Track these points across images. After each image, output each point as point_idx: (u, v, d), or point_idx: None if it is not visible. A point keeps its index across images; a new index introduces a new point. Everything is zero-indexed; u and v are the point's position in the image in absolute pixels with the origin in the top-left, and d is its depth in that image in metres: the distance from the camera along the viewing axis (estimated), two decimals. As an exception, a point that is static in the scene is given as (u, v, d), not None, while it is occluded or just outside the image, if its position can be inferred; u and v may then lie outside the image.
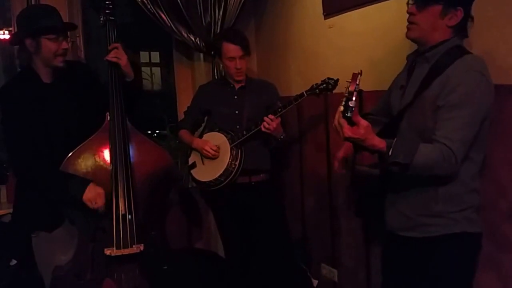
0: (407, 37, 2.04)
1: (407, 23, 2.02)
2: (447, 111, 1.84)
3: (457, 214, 1.99)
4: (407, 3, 2.01)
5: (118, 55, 2.63)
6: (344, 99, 1.71)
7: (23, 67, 2.62)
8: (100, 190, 2.46)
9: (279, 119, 2.94)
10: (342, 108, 1.72)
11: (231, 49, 3.10)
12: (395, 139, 1.81)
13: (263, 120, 2.93)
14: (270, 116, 2.91)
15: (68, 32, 2.68)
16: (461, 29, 1.98)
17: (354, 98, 1.70)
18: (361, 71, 1.79)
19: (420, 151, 1.79)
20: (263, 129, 2.93)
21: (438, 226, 2.00)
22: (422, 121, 1.94)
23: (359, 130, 1.76)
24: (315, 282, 3.51)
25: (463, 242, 2.02)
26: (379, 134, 1.87)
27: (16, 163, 2.57)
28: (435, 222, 2.01)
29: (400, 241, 2.14)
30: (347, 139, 1.79)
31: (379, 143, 1.80)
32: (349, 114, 1.71)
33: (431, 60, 1.99)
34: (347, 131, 1.75)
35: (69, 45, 2.63)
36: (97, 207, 2.44)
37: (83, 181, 2.47)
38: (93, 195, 2.44)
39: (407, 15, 2.01)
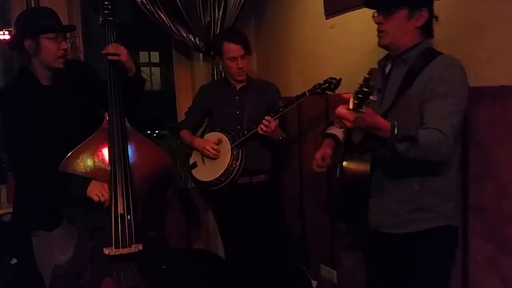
0: (379, 45, 2.13)
1: (377, 32, 2.10)
2: (435, 101, 1.92)
3: (442, 207, 2.07)
4: (373, 16, 2.10)
5: (117, 50, 2.62)
6: (361, 94, 1.70)
7: (22, 69, 2.61)
8: (103, 184, 2.48)
9: (277, 120, 2.92)
10: (353, 105, 1.71)
11: (232, 48, 3.09)
12: (395, 122, 1.82)
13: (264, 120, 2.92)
14: (267, 117, 2.90)
15: (67, 34, 2.67)
16: (428, 30, 2.08)
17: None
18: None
19: (419, 132, 1.83)
20: (260, 131, 2.92)
21: (425, 220, 2.07)
22: (408, 118, 1.98)
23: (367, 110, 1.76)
24: (314, 283, 3.50)
25: (447, 235, 2.12)
26: (364, 137, 1.97)
27: (16, 165, 2.56)
28: (422, 216, 2.07)
29: (384, 238, 2.18)
30: (354, 122, 1.77)
31: (384, 121, 1.81)
32: (363, 110, 1.71)
33: (408, 62, 2.06)
34: (355, 116, 1.74)
35: (68, 46, 2.62)
36: (104, 200, 2.45)
37: (84, 180, 2.48)
38: (97, 188, 2.45)
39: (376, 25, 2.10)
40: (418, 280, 2.11)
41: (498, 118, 2.08)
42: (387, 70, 2.19)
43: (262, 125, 2.89)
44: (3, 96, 2.56)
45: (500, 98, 2.07)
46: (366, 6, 2.19)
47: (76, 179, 2.48)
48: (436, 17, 2.09)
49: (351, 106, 1.72)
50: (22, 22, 2.53)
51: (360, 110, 1.71)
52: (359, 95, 1.70)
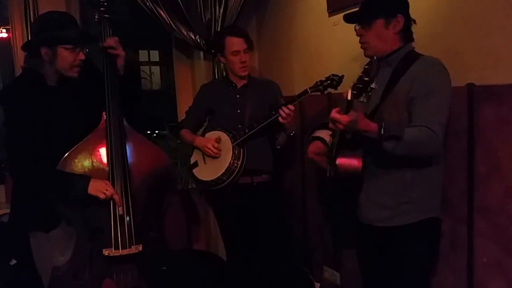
0: (365, 56, 2.25)
1: (360, 44, 2.24)
2: (422, 99, 2.03)
3: (431, 199, 2.21)
4: (355, 29, 2.26)
5: (116, 45, 2.63)
6: (360, 84, 1.81)
7: (29, 69, 2.58)
8: (104, 180, 2.46)
9: (293, 107, 2.85)
10: (351, 96, 1.80)
11: (235, 42, 3.07)
12: (382, 122, 1.94)
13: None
14: (289, 106, 2.84)
15: None
16: (408, 35, 2.21)
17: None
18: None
19: (407, 131, 1.95)
20: (280, 119, 2.86)
21: (417, 212, 2.18)
22: (396, 115, 2.06)
23: (356, 113, 1.87)
24: (317, 285, 3.49)
25: (435, 227, 2.27)
26: (354, 137, 2.09)
27: (15, 164, 2.52)
28: (414, 208, 2.17)
29: (377, 232, 2.27)
30: (346, 126, 1.89)
31: (372, 123, 1.94)
32: (362, 99, 1.84)
33: (392, 64, 2.18)
34: (346, 117, 1.86)
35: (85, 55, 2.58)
36: (110, 195, 2.42)
37: (83, 178, 2.45)
38: (101, 185, 2.42)
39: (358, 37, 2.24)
40: (409, 271, 2.23)
41: (505, 118, 2.06)
42: None
43: (282, 112, 2.83)
44: (7, 94, 2.56)
45: (507, 97, 2.05)
46: (345, 21, 2.32)
47: (74, 178, 2.45)
48: (414, 21, 2.22)
49: (349, 97, 1.81)
50: (41, 29, 2.49)
51: (360, 99, 1.82)
52: (358, 85, 1.80)
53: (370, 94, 1.84)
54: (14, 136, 2.45)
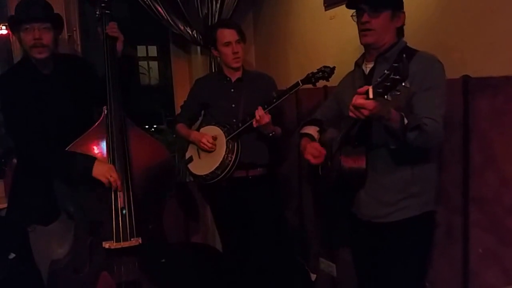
0: (364, 42, 2.23)
1: (362, 31, 2.20)
2: (423, 94, 2.04)
3: (429, 194, 2.22)
4: (352, 16, 2.26)
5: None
6: (388, 82, 1.75)
7: (23, 57, 2.67)
8: (110, 165, 2.47)
9: (269, 116, 2.87)
10: (373, 94, 1.78)
11: (226, 33, 3.08)
12: (402, 113, 1.91)
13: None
14: (259, 108, 2.86)
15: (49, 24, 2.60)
16: (402, 30, 2.24)
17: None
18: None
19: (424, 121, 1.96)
20: (255, 124, 2.89)
21: (415, 206, 2.20)
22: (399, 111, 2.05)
23: (385, 100, 1.84)
24: (313, 277, 3.50)
25: (431, 220, 2.30)
26: (358, 134, 2.13)
27: (21, 144, 2.57)
28: (412, 203, 2.19)
29: (375, 228, 2.29)
30: (372, 112, 1.83)
31: (397, 113, 1.90)
32: (389, 98, 1.80)
33: (390, 60, 2.15)
34: (373, 103, 1.81)
35: (47, 37, 2.53)
36: (114, 181, 2.43)
37: (88, 156, 2.47)
38: (105, 170, 2.44)
39: (361, 24, 2.20)
40: (407, 264, 2.25)
41: (500, 109, 2.08)
42: (366, 69, 2.29)
43: (255, 118, 2.87)
44: (1, 81, 2.60)
45: (503, 88, 2.06)
46: (348, 7, 2.29)
47: (78, 156, 2.48)
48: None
49: (370, 96, 1.79)
50: None
51: (386, 97, 1.78)
52: (386, 83, 1.75)
53: (399, 93, 1.77)
54: (12, 120, 2.51)
